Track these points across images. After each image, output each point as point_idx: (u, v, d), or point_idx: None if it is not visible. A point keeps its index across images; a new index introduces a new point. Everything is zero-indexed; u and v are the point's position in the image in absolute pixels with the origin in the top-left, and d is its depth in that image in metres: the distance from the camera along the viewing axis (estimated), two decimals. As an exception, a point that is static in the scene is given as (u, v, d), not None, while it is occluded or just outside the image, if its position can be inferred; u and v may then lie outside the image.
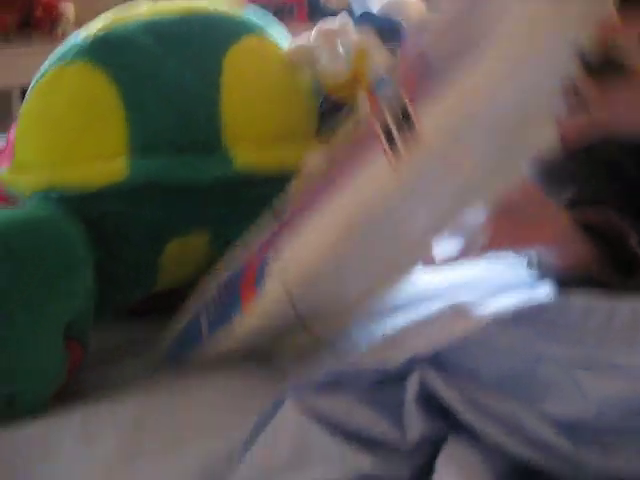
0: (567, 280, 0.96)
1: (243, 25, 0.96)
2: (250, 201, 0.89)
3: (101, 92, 0.89)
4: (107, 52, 0.91)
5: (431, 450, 0.59)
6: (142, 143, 0.87)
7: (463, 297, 0.95)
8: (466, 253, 0.88)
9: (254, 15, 1.00)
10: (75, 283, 0.82)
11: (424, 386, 0.59)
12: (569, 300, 0.59)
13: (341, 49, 0.93)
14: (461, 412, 0.57)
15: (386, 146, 0.69)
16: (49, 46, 2.29)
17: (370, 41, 0.95)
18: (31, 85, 0.96)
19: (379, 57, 0.93)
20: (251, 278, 0.77)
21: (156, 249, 0.90)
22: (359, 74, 0.93)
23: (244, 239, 0.85)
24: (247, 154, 0.89)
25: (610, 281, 0.92)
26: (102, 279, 0.86)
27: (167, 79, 0.89)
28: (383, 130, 0.70)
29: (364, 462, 0.56)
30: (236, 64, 0.92)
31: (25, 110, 0.95)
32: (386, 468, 0.56)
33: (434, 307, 0.90)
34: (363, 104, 0.89)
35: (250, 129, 0.91)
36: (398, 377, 0.61)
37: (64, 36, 2.40)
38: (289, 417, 0.59)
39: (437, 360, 0.60)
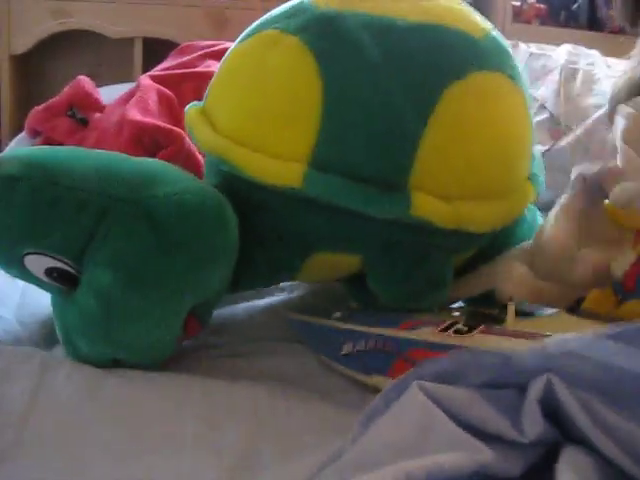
0: None
1: (477, 54, 0.85)
2: (412, 243, 0.86)
3: (307, 83, 0.82)
4: (325, 41, 0.83)
5: (543, 453, 0.61)
6: (327, 155, 0.81)
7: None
8: None
9: (494, 40, 0.88)
10: (215, 274, 0.81)
11: (548, 390, 0.60)
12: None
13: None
14: (581, 423, 0.59)
15: None
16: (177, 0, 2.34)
17: None
18: (245, 34, 0.91)
19: None
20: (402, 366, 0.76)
21: (303, 254, 0.88)
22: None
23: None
24: (428, 203, 0.82)
25: None
26: (242, 267, 0.85)
27: (375, 97, 0.81)
28: None
29: (485, 453, 0.57)
30: (455, 102, 0.82)
31: (230, 61, 0.91)
32: (503, 462, 0.58)
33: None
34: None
35: (442, 177, 0.83)
36: (519, 373, 0.62)
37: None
38: (416, 399, 0.60)
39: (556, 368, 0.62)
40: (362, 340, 0.83)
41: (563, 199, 0.88)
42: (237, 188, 0.85)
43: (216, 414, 0.75)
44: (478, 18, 0.90)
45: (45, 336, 0.89)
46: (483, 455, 0.57)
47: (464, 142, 0.84)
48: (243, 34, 0.91)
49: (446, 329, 0.78)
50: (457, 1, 0.91)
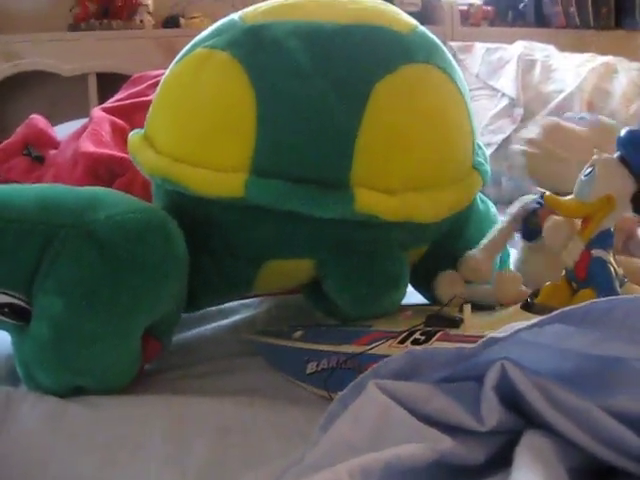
0: None
1: (405, 48, 0.87)
2: (362, 242, 0.86)
3: (239, 95, 0.83)
4: (254, 52, 0.85)
5: (504, 440, 0.62)
6: (266, 162, 0.82)
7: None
8: None
9: (422, 35, 0.90)
10: (165, 289, 0.81)
11: (503, 377, 0.61)
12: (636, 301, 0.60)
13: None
14: (537, 404, 0.59)
15: None
16: (125, 33, 2.34)
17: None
18: (178, 57, 0.92)
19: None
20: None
21: (255, 264, 0.88)
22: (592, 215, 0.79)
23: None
24: (371, 198, 0.82)
25: None
26: (198, 283, 0.85)
27: (307, 99, 0.82)
28: None
29: (444, 442, 0.58)
30: (387, 96, 0.83)
31: (165, 84, 0.92)
32: (465, 450, 0.59)
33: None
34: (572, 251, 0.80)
35: (383, 171, 0.84)
36: (471, 359, 0.63)
37: (142, 24, 2.46)
38: (373, 398, 0.61)
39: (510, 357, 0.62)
40: (324, 358, 0.83)
41: (500, 225, 0.93)
42: (184, 206, 0.85)
43: (182, 431, 0.75)
44: (404, 15, 0.92)
45: (9, 373, 0.88)
46: (443, 444, 0.58)
47: (400, 134, 0.85)
48: (176, 58, 0.92)
49: (404, 340, 0.78)
50: (381, 1, 0.92)
